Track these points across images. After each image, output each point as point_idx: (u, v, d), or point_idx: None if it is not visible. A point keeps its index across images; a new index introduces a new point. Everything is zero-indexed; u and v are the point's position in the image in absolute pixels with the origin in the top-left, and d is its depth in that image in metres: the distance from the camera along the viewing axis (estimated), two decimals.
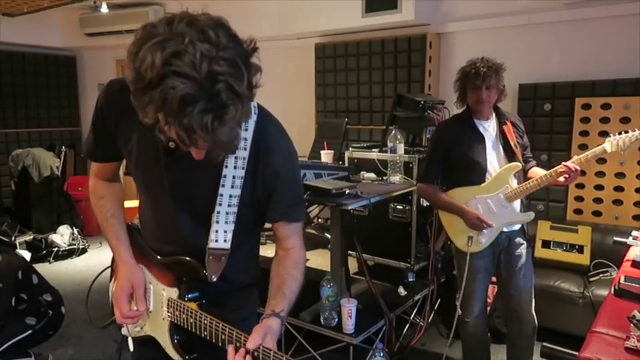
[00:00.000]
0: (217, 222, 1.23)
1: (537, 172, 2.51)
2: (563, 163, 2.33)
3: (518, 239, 2.55)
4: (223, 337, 1.12)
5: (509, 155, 2.49)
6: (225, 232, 1.24)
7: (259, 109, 1.23)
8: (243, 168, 1.20)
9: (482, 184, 2.47)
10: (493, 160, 2.48)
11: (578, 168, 2.31)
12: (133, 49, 0.91)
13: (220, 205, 1.22)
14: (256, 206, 1.27)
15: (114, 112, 1.24)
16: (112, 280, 1.50)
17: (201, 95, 0.87)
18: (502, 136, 2.50)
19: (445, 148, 2.52)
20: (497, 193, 2.44)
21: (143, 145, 1.23)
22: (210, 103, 0.88)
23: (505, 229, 2.50)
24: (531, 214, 2.50)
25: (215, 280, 1.26)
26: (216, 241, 1.24)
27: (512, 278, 2.55)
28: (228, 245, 1.25)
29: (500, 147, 2.50)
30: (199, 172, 1.21)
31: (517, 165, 2.44)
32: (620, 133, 2.29)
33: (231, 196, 1.21)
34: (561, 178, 2.35)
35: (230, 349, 1.08)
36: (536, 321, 2.60)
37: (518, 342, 2.64)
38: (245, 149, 1.19)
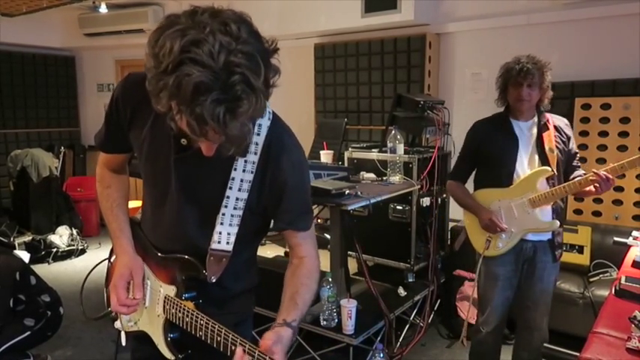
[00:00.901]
0: (222, 223, 1.23)
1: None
2: (593, 170, 2.19)
3: (545, 251, 2.41)
4: (219, 339, 1.11)
5: (543, 160, 2.34)
6: (228, 234, 1.24)
7: (273, 116, 1.23)
8: (252, 172, 1.20)
9: (509, 187, 2.38)
10: (524, 163, 2.37)
11: (610, 177, 2.14)
12: (154, 36, 0.91)
13: (226, 207, 1.21)
14: (262, 212, 1.26)
15: (129, 105, 1.24)
16: (107, 283, 1.49)
17: (216, 85, 0.87)
18: (539, 139, 2.37)
19: (476, 146, 2.47)
20: (522, 197, 2.34)
21: (155, 139, 1.23)
22: (224, 94, 0.88)
23: (531, 238, 2.39)
24: (556, 223, 2.36)
25: (214, 280, 1.25)
26: (219, 242, 1.24)
27: (530, 290, 2.45)
28: (230, 247, 1.25)
29: (536, 151, 2.37)
30: (208, 171, 1.21)
31: (547, 170, 2.31)
32: None
33: (237, 199, 1.21)
34: (591, 188, 2.21)
35: (239, 350, 1.06)
36: (547, 334, 2.51)
37: (526, 353, 2.57)
38: (255, 153, 1.19)
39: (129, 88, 1.23)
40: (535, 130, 2.40)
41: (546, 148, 2.34)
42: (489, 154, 2.43)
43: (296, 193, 1.24)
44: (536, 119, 2.42)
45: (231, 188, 1.20)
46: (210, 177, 1.21)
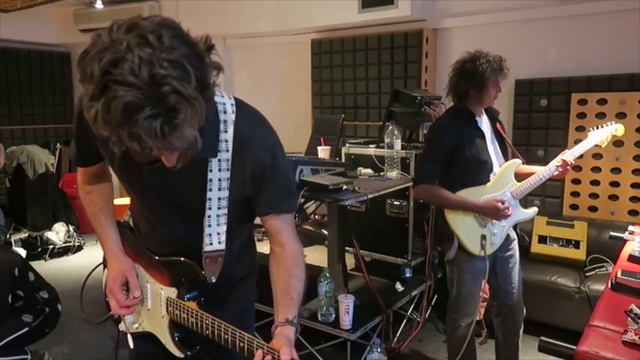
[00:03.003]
0: (209, 225, 1.23)
1: (525, 168, 2.50)
2: (561, 157, 2.34)
3: (512, 236, 2.54)
4: (226, 336, 1.12)
5: (504, 151, 2.49)
6: (218, 234, 1.24)
7: (237, 106, 1.20)
8: (227, 169, 1.19)
9: (488, 184, 2.38)
10: (494, 158, 2.43)
11: (573, 162, 2.33)
12: (80, 62, 0.88)
13: (210, 209, 1.21)
14: (247, 201, 1.27)
15: None
16: (104, 272, 1.49)
17: (146, 101, 0.84)
18: (495, 132, 2.48)
19: (451, 148, 2.35)
20: (504, 191, 2.38)
21: (125, 152, 1.20)
22: (157, 108, 0.85)
23: None
24: (535, 209, 2.48)
25: (214, 280, 1.26)
26: (211, 244, 1.24)
27: (508, 276, 2.54)
28: (223, 246, 1.25)
29: (496, 143, 2.47)
30: (184, 178, 1.19)
31: (518, 161, 2.43)
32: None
33: (219, 198, 1.21)
34: (556, 172, 2.36)
35: (259, 352, 1.05)
36: (524, 310, 2.64)
37: (511, 337, 2.65)
38: (227, 150, 1.18)
39: None
40: (489, 124, 2.49)
41: (506, 139, 2.47)
42: (468, 154, 2.35)
43: (276, 175, 1.23)
44: (484, 114, 2.49)
45: (210, 190, 1.19)
46: (186, 183, 1.20)
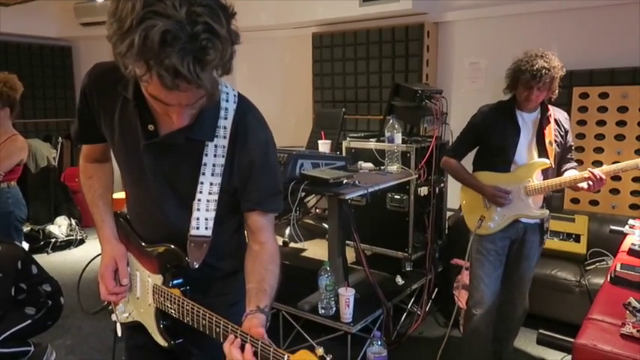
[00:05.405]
0: (198, 209, 1.24)
1: (569, 174, 2.48)
2: (589, 169, 2.32)
3: (534, 232, 2.57)
4: (204, 322, 1.13)
5: (542, 152, 2.47)
6: (206, 219, 1.25)
7: (239, 98, 1.24)
8: (223, 156, 1.21)
9: (507, 173, 2.49)
10: (523, 153, 2.48)
11: (604, 177, 2.28)
12: (113, 4, 0.92)
13: (201, 192, 1.22)
14: (233, 194, 1.28)
15: (95, 94, 1.24)
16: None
17: (182, 34, 0.88)
18: (541, 132, 2.48)
19: (480, 132, 2.56)
20: (518, 184, 2.46)
21: (124, 128, 1.23)
22: (190, 44, 0.89)
23: (523, 220, 2.52)
24: (546, 212, 2.50)
25: (197, 266, 1.26)
26: (197, 228, 1.25)
27: (517, 266, 2.62)
28: (209, 232, 1.26)
29: (534, 142, 2.48)
30: (179, 158, 1.21)
31: (546, 162, 2.43)
32: None
33: (211, 184, 1.22)
34: (584, 185, 2.33)
35: (230, 337, 1.07)
36: (527, 304, 2.71)
37: (508, 323, 2.76)
38: (225, 137, 1.20)
39: (94, 77, 1.23)
40: (537, 123, 2.49)
41: (546, 141, 2.46)
42: (491, 141, 2.53)
43: (263, 172, 1.24)
44: (539, 112, 2.50)
45: (204, 174, 1.21)
46: (181, 163, 1.22)
